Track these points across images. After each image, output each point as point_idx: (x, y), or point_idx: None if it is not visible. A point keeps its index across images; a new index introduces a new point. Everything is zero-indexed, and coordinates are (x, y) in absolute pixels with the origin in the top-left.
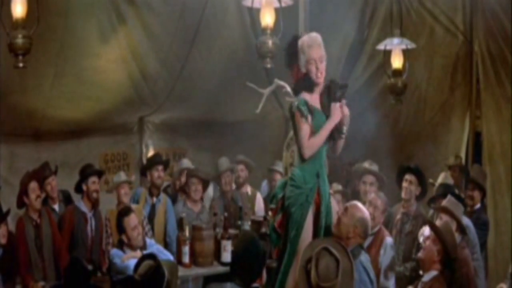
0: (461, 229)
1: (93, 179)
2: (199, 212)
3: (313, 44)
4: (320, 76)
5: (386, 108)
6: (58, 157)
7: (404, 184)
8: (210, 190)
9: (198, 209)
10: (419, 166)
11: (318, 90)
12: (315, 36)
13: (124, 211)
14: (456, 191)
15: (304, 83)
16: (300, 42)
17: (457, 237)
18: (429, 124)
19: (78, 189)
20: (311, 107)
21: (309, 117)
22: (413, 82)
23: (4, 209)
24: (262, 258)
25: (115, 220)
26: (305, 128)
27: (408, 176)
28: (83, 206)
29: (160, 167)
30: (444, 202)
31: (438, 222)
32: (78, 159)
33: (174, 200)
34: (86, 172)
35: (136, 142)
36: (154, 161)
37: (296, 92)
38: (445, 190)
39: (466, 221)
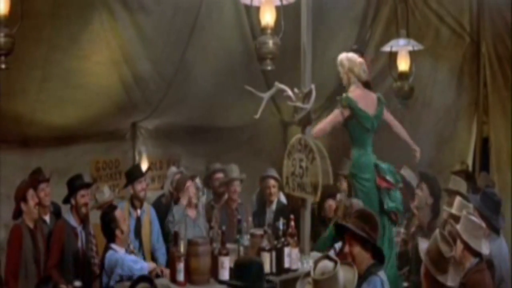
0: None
1: (82, 192)
2: (196, 219)
3: None
4: None
5: (391, 111)
6: (47, 164)
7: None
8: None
9: (194, 216)
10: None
11: None
12: None
13: (110, 208)
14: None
15: None
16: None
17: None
18: (434, 129)
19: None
20: None
21: None
22: (418, 85)
23: None
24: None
25: (102, 223)
26: None
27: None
28: (72, 220)
29: (143, 179)
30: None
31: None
32: (67, 167)
33: (167, 210)
34: (74, 185)
35: (129, 149)
36: (135, 175)
37: None
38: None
39: (486, 247)
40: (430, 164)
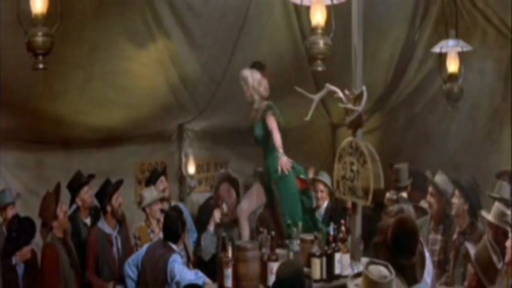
0: None
1: (115, 195)
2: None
3: None
4: None
5: (439, 114)
6: (89, 166)
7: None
8: None
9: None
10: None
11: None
12: None
13: (178, 212)
14: None
15: None
16: None
17: None
18: (481, 132)
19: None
20: None
21: None
22: (465, 87)
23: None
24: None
25: (169, 226)
26: None
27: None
28: (107, 227)
29: (163, 178)
30: None
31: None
32: (111, 168)
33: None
34: (107, 191)
35: (175, 151)
36: (155, 176)
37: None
38: None
39: None
40: (477, 167)
